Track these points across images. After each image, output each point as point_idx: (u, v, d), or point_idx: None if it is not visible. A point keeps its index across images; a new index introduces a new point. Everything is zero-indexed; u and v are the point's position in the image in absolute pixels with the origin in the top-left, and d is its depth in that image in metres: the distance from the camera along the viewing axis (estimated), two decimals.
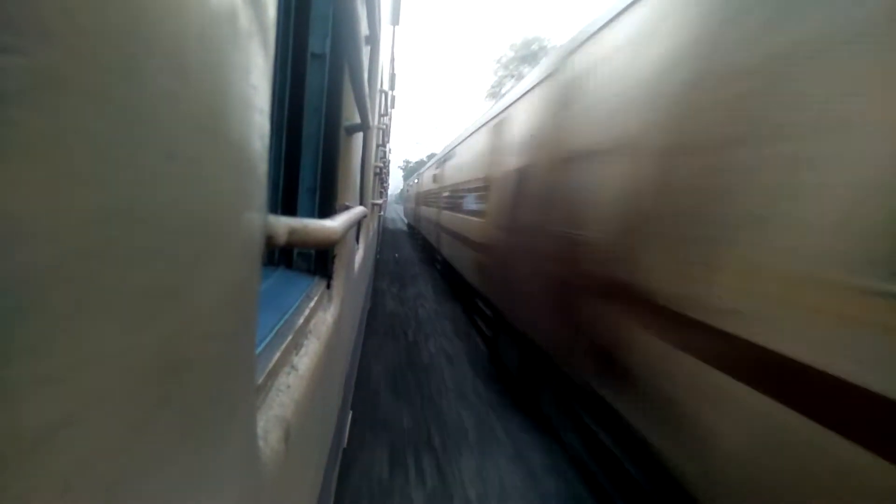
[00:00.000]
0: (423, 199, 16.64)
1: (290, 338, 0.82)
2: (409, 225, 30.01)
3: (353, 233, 1.81)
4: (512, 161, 4.80)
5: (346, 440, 2.56)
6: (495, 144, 5.73)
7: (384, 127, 4.49)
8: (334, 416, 1.56)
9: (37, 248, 0.19)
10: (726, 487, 1.63)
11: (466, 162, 7.97)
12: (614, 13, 2.87)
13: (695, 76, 2.00)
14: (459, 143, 9.13)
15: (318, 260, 1.41)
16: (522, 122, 4.60)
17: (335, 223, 0.91)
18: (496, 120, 5.85)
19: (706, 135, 1.87)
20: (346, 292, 1.63)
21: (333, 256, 1.36)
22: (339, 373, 1.67)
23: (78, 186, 0.21)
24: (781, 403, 1.41)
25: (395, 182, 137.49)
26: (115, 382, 0.24)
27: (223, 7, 0.34)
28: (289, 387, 0.71)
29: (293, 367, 0.78)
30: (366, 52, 1.22)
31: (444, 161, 11.51)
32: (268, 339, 0.76)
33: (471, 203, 7.14)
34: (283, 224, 0.62)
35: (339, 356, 1.58)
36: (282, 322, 0.86)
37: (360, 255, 2.43)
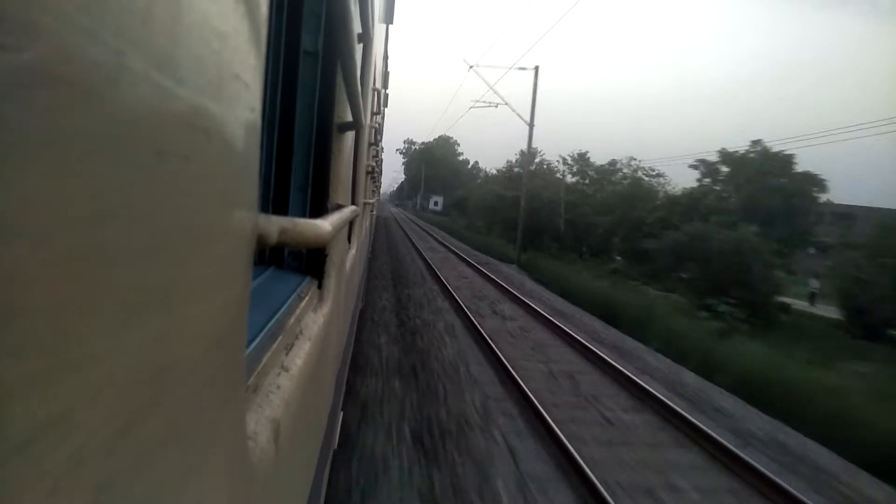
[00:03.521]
0: None
1: (280, 338, 0.82)
2: None
3: (344, 232, 1.81)
4: None
5: (336, 441, 2.55)
6: None
7: (377, 126, 4.49)
8: (325, 416, 1.55)
9: (26, 247, 0.18)
10: None
11: None
12: None
13: None
14: None
15: (309, 259, 1.41)
16: None
17: (327, 223, 0.91)
18: None
19: None
20: (338, 292, 1.63)
21: (325, 256, 1.35)
22: (330, 373, 1.66)
23: (67, 184, 0.20)
24: None
25: (391, 169, 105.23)
26: (105, 382, 0.24)
27: (215, 3, 0.34)
28: (279, 387, 0.71)
29: (283, 368, 0.77)
30: (358, 49, 1.22)
31: None
32: (258, 339, 0.75)
33: None
34: (275, 223, 0.62)
35: (330, 357, 1.57)
36: (272, 322, 0.86)
37: (352, 254, 2.42)
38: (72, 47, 0.20)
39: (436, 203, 78.47)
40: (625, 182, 36.17)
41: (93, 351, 0.23)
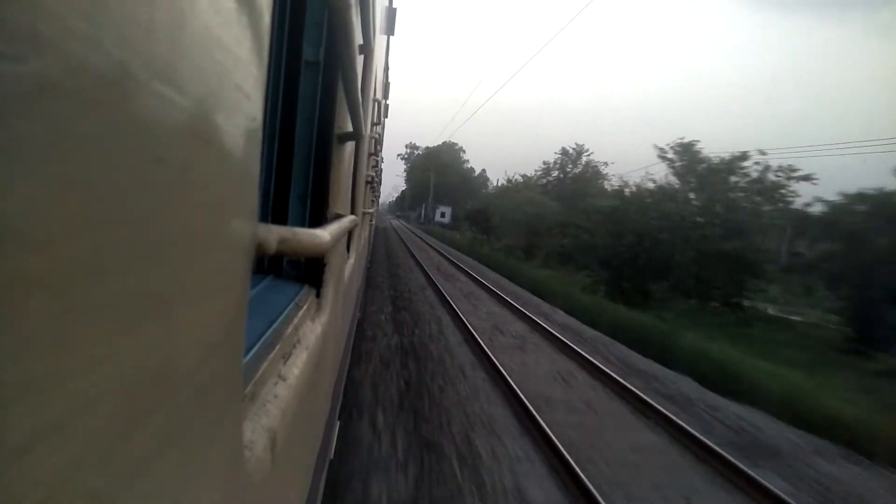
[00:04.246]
0: None
1: (278, 347, 0.82)
2: None
3: (343, 242, 1.81)
4: None
5: (332, 451, 2.53)
6: None
7: (377, 136, 4.51)
8: (321, 426, 1.54)
9: (27, 252, 0.18)
10: None
11: None
12: None
13: None
14: None
15: (307, 269, 1.41)
16: None
17: (326, 232, 0.91)
18: None
19: None
20: (336, 302, 1.62)
21: (323, 265, 1.35)
22: (327, 383, 1.65)
23: (68, 192, 0.20)
24: None
25: (390, 176, 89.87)
26: (102, 389, 0.24)
27: (217, 14, 0.34)
28: (276, 396, 0.70)
29: (281, 377, 0.77)
30: (359, 60, 1.23)
31: None
32: (256, 347, 0.75)
33: None
34: (274, 232, 0.62)
35: (328, 366, 1.57)
36: (270, 331, 0.85)
37: (350, 264, 2.42)
38: (74, 57, 0.20)
39: (443, 214, 66.87)
40: (750, 186, 23.26)
41: (91, 357, 0.23)
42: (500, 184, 62.02)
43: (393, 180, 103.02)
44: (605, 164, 44.55)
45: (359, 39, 1.26)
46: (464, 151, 79.50)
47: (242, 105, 0.42)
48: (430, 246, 33.42)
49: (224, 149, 0.38)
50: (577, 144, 46.91)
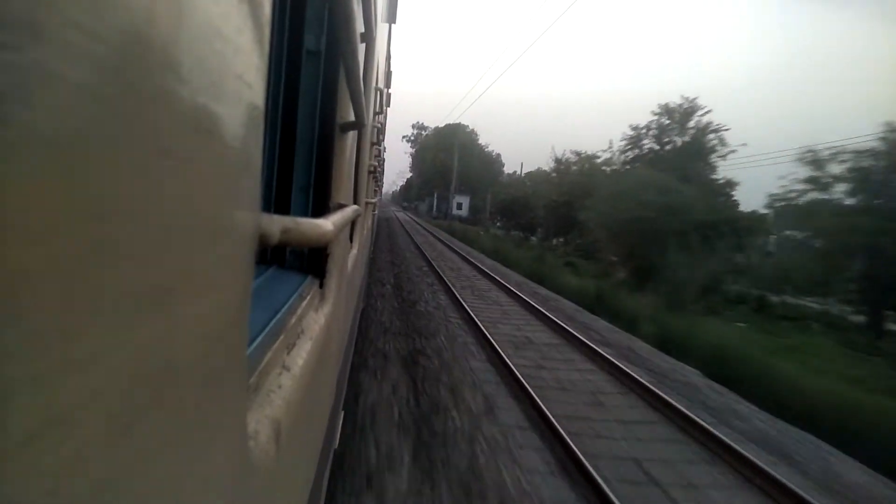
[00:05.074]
0: None
1: (282, 337, 0.82)
2: None
3: (346, 232, 1.81)
4: None
5: (337, 441, 2.55)
6: None
7: (379, 125, 4.49)
8: (326, 416, 1.56)
9: (28, 246, 0.18)
10: None
11: None
12: None
13: None
14: None
15: (311, 259, 1.41)
16: None
17: (328, 222, 0.91)
18: None
19: None
20: (339, 292, 1.63)
21: (326, 255, 1.35)
22: (331, 373, 1.66)
23: (69, 184, 0.20)
24: None
25: (394, 163, 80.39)
26: (106, 381, 0.24)
27: (218, 3, 0.34)
28: (280, 387, 0.71)
29: (285, 367, 0.77)
30: (361, 49, 1.22)
31: None
32: (259, 338, 0.75)
33: None
34: (277, 222, 0.62)
35: (332, 356, 1.58)
36: (274, 321, 0.86)
37: (353, 254, 2.43)
38: (74, 47, 0.20)
39: (459, 206, 56.17)
40: None
41: (94, 350, 0.23)
42: (518, 172, 51.30)
43: (396, 167, 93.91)
44: (719, 128, 28.05)
45: (360, 28, 1.25)
46: (476, 134, 66.56)
47: (244, 95, 0.42)
48: (482, 272, 16.12)
49: (226, 139, 0.38)
50: (686, 98, 29.10)
